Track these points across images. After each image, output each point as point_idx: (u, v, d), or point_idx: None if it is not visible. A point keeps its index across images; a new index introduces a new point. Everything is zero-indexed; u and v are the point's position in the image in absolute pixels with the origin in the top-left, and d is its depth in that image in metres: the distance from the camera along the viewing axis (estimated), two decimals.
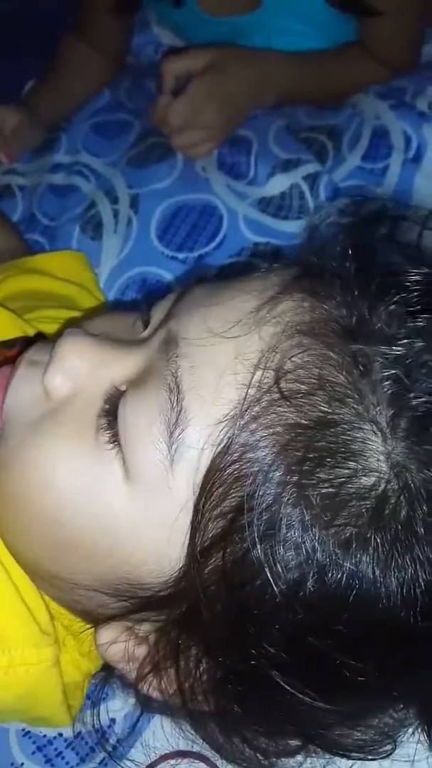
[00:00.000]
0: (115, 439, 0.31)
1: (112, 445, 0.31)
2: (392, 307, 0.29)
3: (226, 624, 0.29)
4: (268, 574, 0.27)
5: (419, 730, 0.32)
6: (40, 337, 0.45)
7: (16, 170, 0.79)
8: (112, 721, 0.41)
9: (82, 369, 0.33)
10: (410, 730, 0.33)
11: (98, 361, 0.33)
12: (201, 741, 0.35)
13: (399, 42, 0.77)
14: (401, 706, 0.32)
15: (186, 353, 0.30)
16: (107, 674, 0.37)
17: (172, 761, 0.38)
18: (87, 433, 0.32)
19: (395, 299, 0.29)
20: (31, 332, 0.47)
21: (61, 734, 0.43)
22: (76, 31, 0.90)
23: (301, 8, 0.77)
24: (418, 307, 0.29)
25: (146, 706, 0.36)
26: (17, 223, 0.74)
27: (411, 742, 0.33)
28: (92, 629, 0.35)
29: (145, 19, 0.93)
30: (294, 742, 0.33)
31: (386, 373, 0.27)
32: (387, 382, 0.27)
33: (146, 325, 0.35)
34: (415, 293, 0.29)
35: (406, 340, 0.28)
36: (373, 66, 0.76)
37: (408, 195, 0.64)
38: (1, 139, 0.80)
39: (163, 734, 0.38)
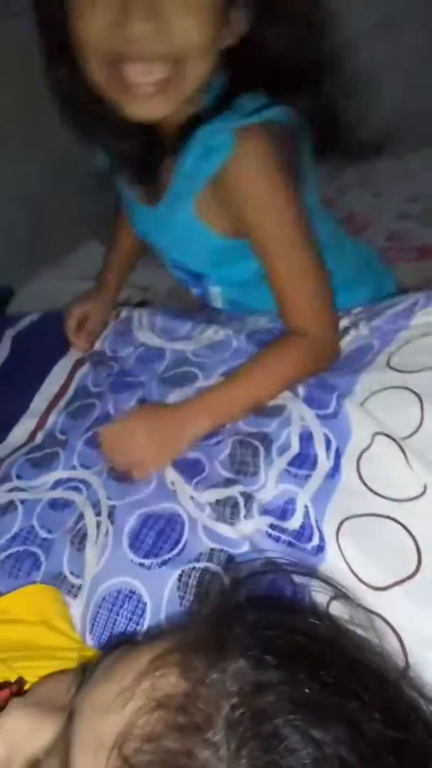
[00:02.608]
0: None
1: None
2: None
3: None
4: None
5: None
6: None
7: (20, 486, 0.87)
8: None
9: (15, 737, 0.41)
10: None
11: (27, 729, 0.41)
12: None
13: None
14: None
15: (77, 729, 0.37)
16: None
17: None
18: None
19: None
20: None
21: None
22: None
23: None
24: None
25: None
26: (15, 536, 0.80)
27: None
28: None
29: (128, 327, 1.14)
30: None
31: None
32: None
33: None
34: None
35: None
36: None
37: None
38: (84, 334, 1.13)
39: None
